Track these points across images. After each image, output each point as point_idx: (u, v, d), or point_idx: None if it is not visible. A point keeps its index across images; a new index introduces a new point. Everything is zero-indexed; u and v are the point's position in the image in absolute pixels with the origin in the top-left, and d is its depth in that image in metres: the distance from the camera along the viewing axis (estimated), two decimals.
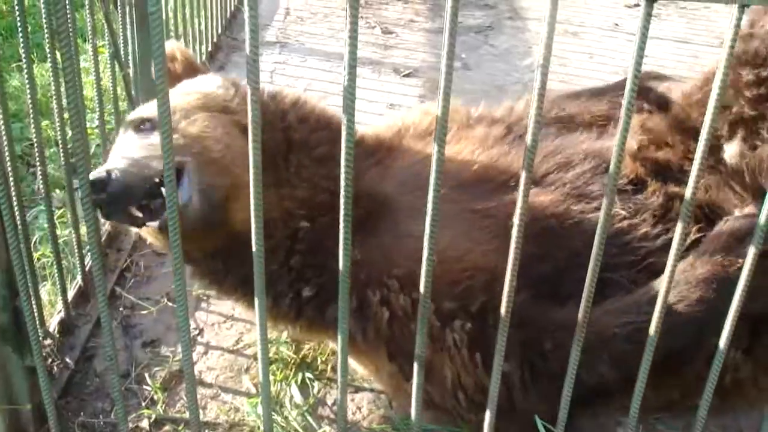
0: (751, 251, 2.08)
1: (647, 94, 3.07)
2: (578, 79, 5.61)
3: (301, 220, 2.69)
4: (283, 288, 2.69)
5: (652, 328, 2.19)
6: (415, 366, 2.20)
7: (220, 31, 5.98)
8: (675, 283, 2.28)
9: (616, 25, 6.85)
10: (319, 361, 3.10)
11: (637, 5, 7.30)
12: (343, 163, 1.89)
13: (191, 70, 3.06)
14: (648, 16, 1.82)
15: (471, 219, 2.71)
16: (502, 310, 2.12)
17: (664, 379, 2.65)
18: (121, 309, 3.36)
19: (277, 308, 2.76)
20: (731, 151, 2.65)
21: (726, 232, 2.50)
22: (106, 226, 3.68)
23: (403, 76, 5.73)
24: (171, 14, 4.89)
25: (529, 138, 1.88)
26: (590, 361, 2.41)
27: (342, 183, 1.91)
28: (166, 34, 4.82)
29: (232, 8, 6.40)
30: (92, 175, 2.33)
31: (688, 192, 1.99)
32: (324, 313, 2.68)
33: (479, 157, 2.88)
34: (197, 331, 3.27)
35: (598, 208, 2.66)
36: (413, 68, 5.81)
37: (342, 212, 1.95)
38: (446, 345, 2.56)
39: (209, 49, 5.62)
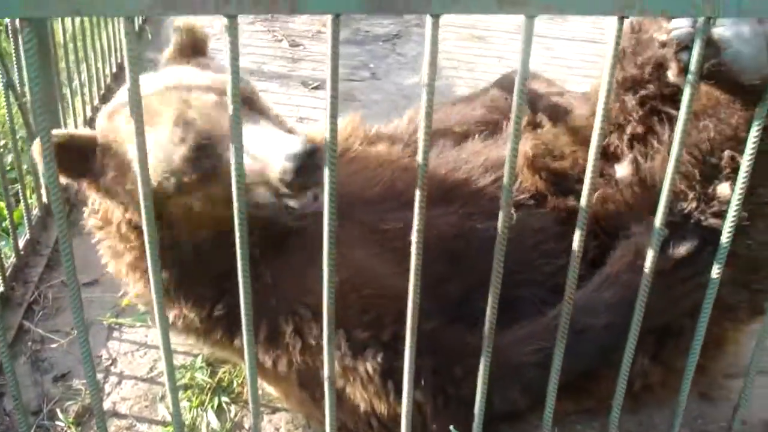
0: (648, 267, 2.14)
1: (536, 101, 3.13)
2: (485, 84, 5.66)
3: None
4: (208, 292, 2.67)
5: (556, 357, 2.22)
6: (326, 387, 2.19)
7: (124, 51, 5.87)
8: (583, 309, 2.32)
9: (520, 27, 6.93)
10: (235, 384, 3.08)
11: None
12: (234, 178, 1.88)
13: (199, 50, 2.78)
14: (529, 30, 1.85)
15: (380, 240, 2.71)
16: (407, 337, 2.13)
17: (580, 394, 2.70)
18: (29, 343, 3.28)
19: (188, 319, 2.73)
20: (622, 172, 2.72)
21: (630, 251, 2.55)
22: (11, 258, 3.59)
23: (312, 88, 5.71)
24: (69, 36, 4.80)
25: (420, 158, 1.89)
26: (501, 388, 2.44)
27: (234, 201, 1.90)
28: (65, 55, 4.72)
29: (137, 27, 6.31)
30: (304, 144, 2.26)
31: (581, 213, 2.04)
32: (233, 336, 2.65)
33: (383, 174, 2.89)
34: (110, 362, 3.21)
35: None
36: (322, 80, 5.78)
37: (237, 232, 1.94)
38: (358, 374, 2.56)
39: (113, 70, 5.53)
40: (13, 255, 3.63)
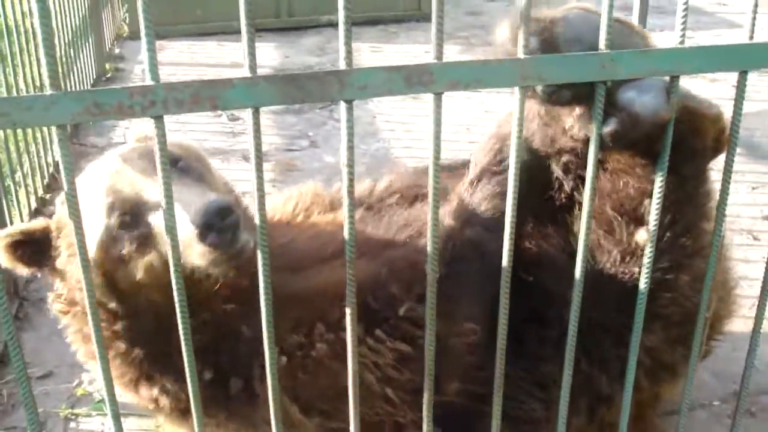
0: (572, 323, 2.25)
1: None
2: (422, 143, 5.82)
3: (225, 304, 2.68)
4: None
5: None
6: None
7: None
8: None
9: None
10: None
11: None
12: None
13: None
14: (438, 107, 1.98)
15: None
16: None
17: None
18: None
19: (174, 394, 2.73)
20: None
21: None
22: None
23: None
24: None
25: (346, 232, 2.01)
26: None
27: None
28: (5, 146, 4.78)
29: None
30: (216, 203, 2.30)
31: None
32: (228, 391, 2.69)
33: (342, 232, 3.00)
34: None
35: None
36: (264, 153, 5.87)
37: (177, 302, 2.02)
38: None
39: (56, 159, 5.60)
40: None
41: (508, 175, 2.70)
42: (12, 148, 4.80)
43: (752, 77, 6.85)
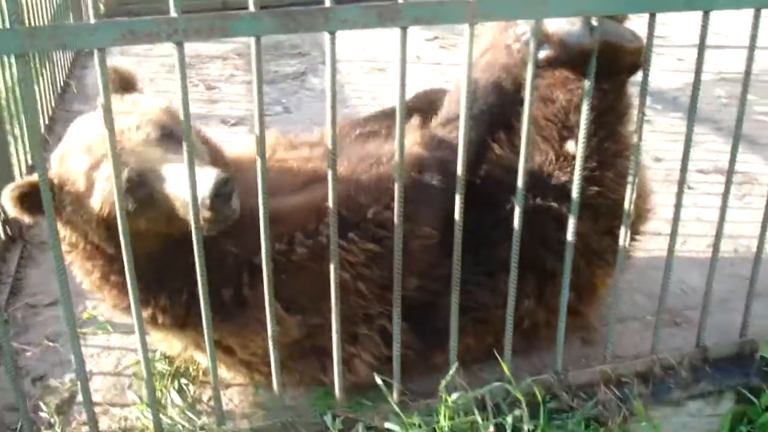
0: (517, 220, 2.73)
1: (431, 106, 3.74)
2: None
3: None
4: (177, 285, 3.07)
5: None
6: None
7: (54, 104, 6.34)
8: None
9: (418, 57, 7.60)
10: (191, 369, 3.56)
11: (436, 38, 8.14)
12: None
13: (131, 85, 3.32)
14: (404, 42, 2.44)
15: None
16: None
17: (477, 327, 3.29)
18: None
19: (171, 310, 3.13)
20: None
21: None
22: None
23: (231, 125, 6.27)
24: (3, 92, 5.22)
25: (329, 139, 2.46)
26: None
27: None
28: (7, 107, 5.16)
29: (62, 83, 6.82)
30: (217, 177, 2.73)
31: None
32: (221, 299, 3.04)
33: (305, 169, 3.43)
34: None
35: None
36: (239, 118, 6.36)
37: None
38: None
39: (46, 122, 5.98)
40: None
41: (478, 112, 3.22)
42: (12, 105, 5.17)
43: (687, 53, 7.43)
